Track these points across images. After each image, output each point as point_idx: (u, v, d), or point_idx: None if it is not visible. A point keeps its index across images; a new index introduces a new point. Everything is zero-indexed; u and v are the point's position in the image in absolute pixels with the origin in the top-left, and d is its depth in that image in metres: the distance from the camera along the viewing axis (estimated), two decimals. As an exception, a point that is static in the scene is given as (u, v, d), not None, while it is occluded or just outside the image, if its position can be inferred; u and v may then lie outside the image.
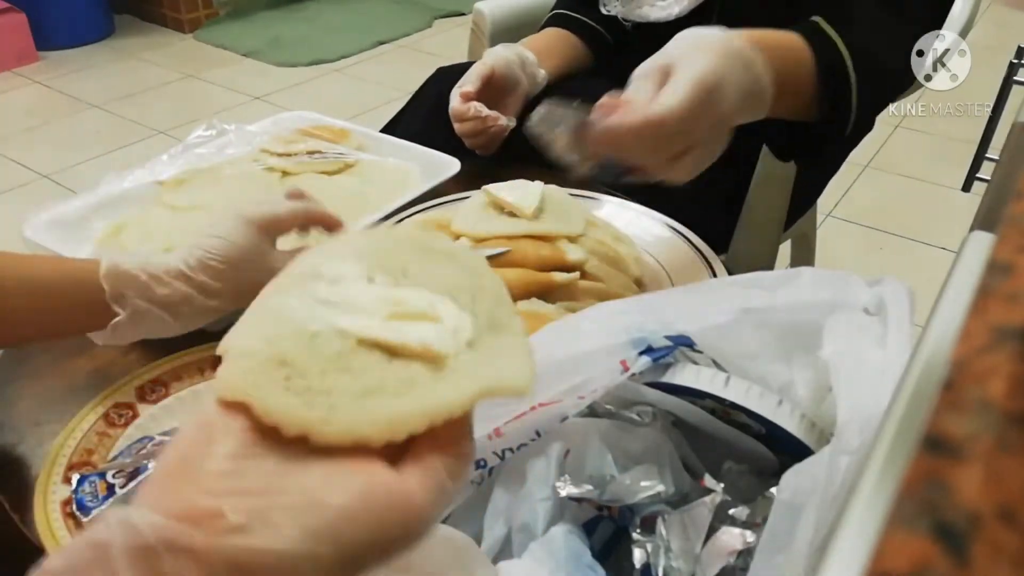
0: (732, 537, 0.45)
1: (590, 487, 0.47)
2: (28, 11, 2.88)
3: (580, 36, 1.11)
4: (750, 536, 0.45)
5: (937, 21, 0.83)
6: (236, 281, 0.60)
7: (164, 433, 0.63)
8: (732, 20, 0.85)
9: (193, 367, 0.69)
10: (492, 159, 1.01)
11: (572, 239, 0.78)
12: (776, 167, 1.01)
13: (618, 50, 1.11)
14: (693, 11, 0.98)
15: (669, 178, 0.66)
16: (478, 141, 0.99)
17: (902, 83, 0.86)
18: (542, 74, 1.04)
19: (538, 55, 1.04)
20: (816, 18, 0.75)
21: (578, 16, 1.11)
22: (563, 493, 0.47)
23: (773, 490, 0.46)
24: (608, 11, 1.06)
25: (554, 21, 1.13)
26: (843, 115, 0.75)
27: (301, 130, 1.05)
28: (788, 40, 0.72)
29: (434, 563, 0.42)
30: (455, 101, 0.96)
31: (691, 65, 0.60)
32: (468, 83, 0.97)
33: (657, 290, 0.59)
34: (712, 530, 0.46)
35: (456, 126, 0.98)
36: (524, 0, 1.29)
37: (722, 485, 0.46)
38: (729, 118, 0.64)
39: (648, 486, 0.46)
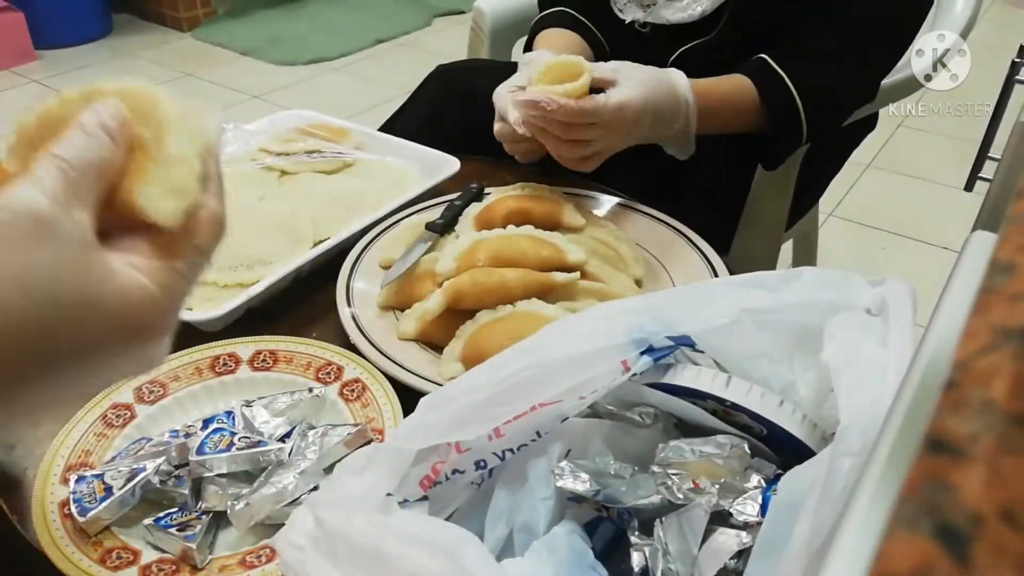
0: (728, 539, 0.45)
1: (586, 476, 0.47)
2: (26, 10, 2.87)
3: (587, 41, 1.05)
4: (746, 538, 0.45)
5: (895, 57, 0.98)
6: None
7: (162, 434, 0.63)
8: (742, 20, 0.94)
9: (191, 368, 0.68)
10: (492, 159, 1.00)
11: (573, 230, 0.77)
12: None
13: (632, 54, 1.08)
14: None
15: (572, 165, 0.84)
16: (520, 148, 0.92)
17: (851, 101, 0.99)
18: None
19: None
20: (765, 56, 0.92)
21: (583, 20, 1.05)
22: (559, 484, 0.46)
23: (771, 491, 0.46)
24: (623, 17, 1.02)
25: (558, 20, 1.06)
26: (794, 130, 0.92)
27: (300, 129, 1.04)
28: (735, 84, 0.91)
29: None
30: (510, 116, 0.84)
31: (634, 87, 0.81)
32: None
33: (658, 290, 0.58)
34: (709, 532, 0.45)
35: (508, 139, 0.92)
36: (524, -2, 1.29)
37: (717, 487, 0.46)
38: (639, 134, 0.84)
39: (644, 494, 0.46)
